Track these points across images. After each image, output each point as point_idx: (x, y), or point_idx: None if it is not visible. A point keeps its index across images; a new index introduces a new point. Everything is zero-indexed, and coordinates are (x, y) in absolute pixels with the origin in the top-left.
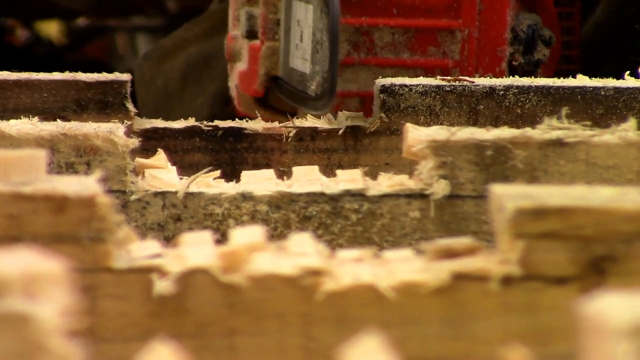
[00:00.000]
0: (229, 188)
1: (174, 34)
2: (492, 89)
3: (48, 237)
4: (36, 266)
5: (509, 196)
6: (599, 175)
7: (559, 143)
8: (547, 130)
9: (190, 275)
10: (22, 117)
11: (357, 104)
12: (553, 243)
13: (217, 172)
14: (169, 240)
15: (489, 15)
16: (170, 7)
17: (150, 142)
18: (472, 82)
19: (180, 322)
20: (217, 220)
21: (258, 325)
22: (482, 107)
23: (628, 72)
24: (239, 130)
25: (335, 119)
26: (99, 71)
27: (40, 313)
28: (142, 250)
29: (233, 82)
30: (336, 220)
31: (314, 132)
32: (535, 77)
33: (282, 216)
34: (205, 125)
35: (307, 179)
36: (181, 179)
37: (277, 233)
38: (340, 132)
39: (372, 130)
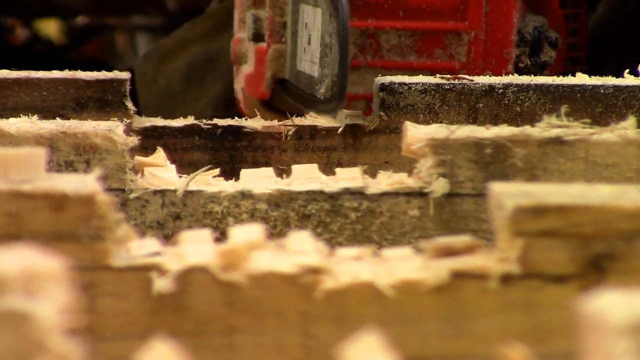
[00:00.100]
0: (228, 186)
1: (174, 34)
2: (491, 87)
3: (47, 235)
4: (35, 264)
5: (509, 194)
6: (598, 173)
7: (558, 141)
8: (547, 128)
9: (189, 273)
10: (21, 115)
11: (364, 107)
12: (552, 241)
13: (217, 171)
14: (168, 238)
15: (495, 17)
16: (169, 6)
17: (150, 140)
18: (472, 80)
19: (180, 321)
20: (217, 218)
21: (257, 323)
22: (482, 105)
23: (627, 71)
24: (238, 128)
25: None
26: (99, 70)
27: (40, 311)
28: (141, 248)
29: (239, 85)
30: (335, 219)
31: (313, 130)
32: None
33: (282, 214)
34: (204, 123)
35: (306, 177)
36: (180, 177)
37: (277, 231)
38: (340, 130)
39: (371, 128)
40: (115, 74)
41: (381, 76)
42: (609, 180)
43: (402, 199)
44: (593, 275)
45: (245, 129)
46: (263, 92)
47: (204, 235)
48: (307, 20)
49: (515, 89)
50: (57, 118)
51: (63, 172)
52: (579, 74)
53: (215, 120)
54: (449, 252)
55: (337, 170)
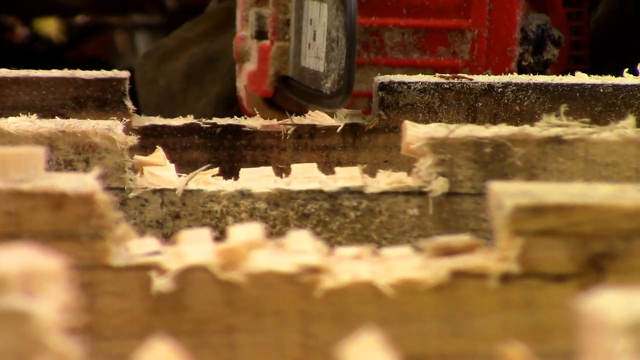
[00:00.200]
0: (228, 185)
1: (174, 34)
2: (490, 86)
3: (47, 234)
4: (35, 263)
5: (508, 193)
6: (597, 172)
7: (557, 140)
8: (546, 127)
9: (188, 272)
10: (20, 114)
11: (367, 104)
12: (552, 240)
13: (216, 170)
14: (167, 237)
15: (498, 15)
16: (169, 5)
17: (149, 139)
18: (471, 79)
19: (179, 320)
20: (216, 217)
21: (257, 322)
22: (481, 104)
23: (627, 70)
24: (238, 127)
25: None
26: (98, 69)
27: (39, 310)
28: (140, 247)
29: (242, 83)
30: (335, 218)
31: (312, 129)
32: None
33: (281, 213)
34: (203, 122)
35: (305, 176)
36: (180, 176)
37: (276, 230)
38: (339, 129)
39: (370, 127)
40: (115, 73)
41: (384, 74)
42: (608, 179)
43: (402, 198)
44: (592, 275)
45: (245, 128)
46: (266, 90)
47: (204, 234)
48: (312, 16)
49: (514, 88)
50: (56, 117)
51: (62, 171)
52: (578, 73)
53: (215, 120)
54: (448, 251)
55: (337, 169)
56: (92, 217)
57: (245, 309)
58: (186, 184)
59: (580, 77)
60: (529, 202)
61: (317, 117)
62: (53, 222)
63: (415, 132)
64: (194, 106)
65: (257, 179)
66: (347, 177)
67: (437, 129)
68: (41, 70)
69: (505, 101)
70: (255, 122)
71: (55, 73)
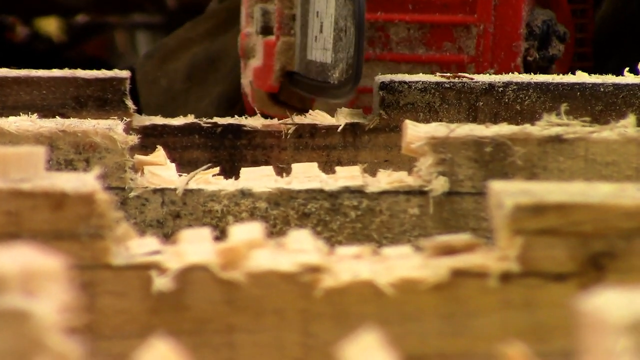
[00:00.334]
0: (228, 185)
1: (175, 33)
2: (491, 86)
3: (47, 234)
4: (35, 263)
5: (508, 193)
6: (598, 171)
7: (558, 139)
8: (546, 126)
9: (189, 271)
10: (21, 114)
11: (372, 100)
12: (552, 239)
13: (216, 169)
14: (168, 237)
15: (504, 10)
16: (169, 4)
17: (150, 139)
18: (471, 78)
19: (179, 319)
20: (216, 217)
21: (257, 322)
22: (482, 103)
23: (627, 69)
24: (238, 127)
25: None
26: (99, 68)
27: (39, 310)
28: (141, 247)
29: (247, 79)
30: (335, 217)
31: (313, 129)
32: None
33: (281, 213)
34: (204, 122)
35: (306, 175)
36: (180, 175)
37: (276, 230)
38: (340, 129)
39: (371, 127)
40: (115, 73)
41: (390, 69)
42: (609, 178)
43: (402, 197)
44: (592, 274)
45: (245, 128)
46: (272, 85)
47: (204, 233)
48: (318, 9)
49: (515, 87)
50: (56, 117)
51: (63, 170)
52: (578, 72)
53: (215, 119)
54: (448, 251)
55: (337, 168)
56: (92, 217)
57: (246, 309)
58: (187, 183)
59: (581, 77)
60: (529, 201)
61: (318, 117)
62: (53, 221)
63: (416, 132)
64: (196, 106)
65: (258, 179)
66: (348, 176)
67: (437, 129)
68: (42, 70)
69: (506, 100)
70: (255, 122)
71: (55, 73)
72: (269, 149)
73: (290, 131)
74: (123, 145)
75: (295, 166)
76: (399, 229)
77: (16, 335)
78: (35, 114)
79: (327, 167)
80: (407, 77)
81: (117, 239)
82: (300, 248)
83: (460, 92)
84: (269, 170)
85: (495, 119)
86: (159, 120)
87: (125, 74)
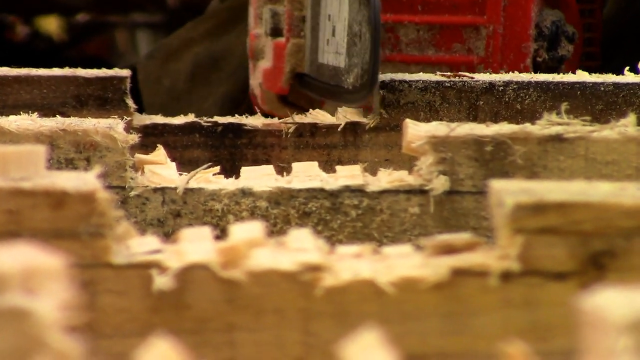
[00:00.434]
0: (229, 184)
1: (177, 33)
2: (491, 85)
3: (47, 233)
4: (35, 261)
5: (509, 192)
6: (598, 170)
7: (558, 139)
8: (547, 125)
9: (189, 270)
10: (21, 112)
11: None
12: (552, 238)
13: (217, 168)
14: (168, 236)
15: (513, 11)
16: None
17: (150, 138)
18: (472, 77)
19: (180, 318)
20: (217, 216)
21: (257, 320)
22: (482, 102)
23: (628, 68)
24: (239, 126)
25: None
26: (99, 67)
27: (40, 308)
28: (141, 245)
29: (256, 81)
30: (336, 216)
31: (313, 128)
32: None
33: (282, 212)
34: (204, 121)
35: (306, 174)
36: (181, 175)
37: (277, 229)
38: (340, 128)
39: (371, 126)
40: (116, 72)
41: (400, 70)
42: (609, 177)
43: (403, 196)
44: (593, 273)
45: (246, 127)
46: (282, 87)
47: (204, 232)
48: (330, 12)
49: (515, 86)
50: (57, 115)
51: (63, 169)
52: (579, 71)
53: (216, 118)
54: (449, 250)
55: (338, 167)
56: (92, 216)
57: (246, 307)
58: (187, 182)
59: (581, 76)
60: (529, 200)
61: (318, 116)
62: (54, 220)
63: (416, 131)
64: (200, 106)
65: (258, 178)
66: (348, 175)
67: (438, 128)
68: (42, 69)
69: (506, 99)
70: (256, 121)
71: (56, 72)
72: (270, 148)
73: (290, 130)
74: (123, 144)
75: (295, 165)
76: (400, 228)
77: (17, 333)
78: (36, 113)
79: (328, 166)
80: (408, 76)
81: (118, 238)
82: (301, 247)
83: (461, 91)
84: (269, 169)
85: (495, 118)
86: (159, 119)
87: (125, 72)
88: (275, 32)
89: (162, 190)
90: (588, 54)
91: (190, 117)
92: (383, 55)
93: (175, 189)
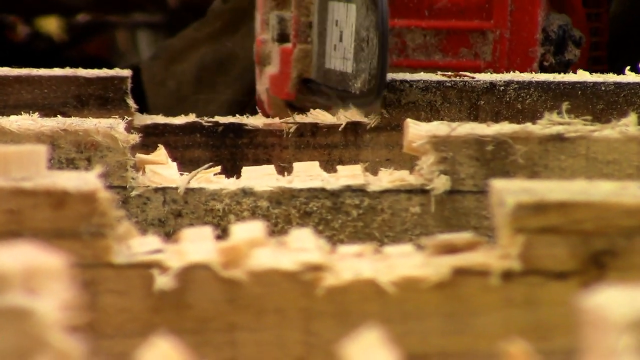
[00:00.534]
0: (230, 184)
1: (181, 34)
2: (492, 85)
3: (48, 232)
4: (36, 261)
5: (510, 191)
6: (599, 170)
7: (559, 138)
8: (548, 125)
9: (190, 270)
10: (22, 112)
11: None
12: (553, 238)
13: (218, 168)
14: (169, 235)
15: (520, 16)
16: (170, 3)
17: (151, 138)
18: (473, 77)
19: (181, 318)
20: (218, 215)
21: (258, 320)
22: (483, 102)
23: (629, 68)
24: (240, 126)
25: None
26: (100, 67)
27: (41, 308)
28: (142, 245)
29: (263, 86)
30: (337, 216)
31: (314, 127)
32: None
33: (283, 212)
34: (205, 121)
35: (307, 174)
36: (182, 174)
37: (278, 229)
38: (341, 127)
39: (372, 126)
40: (117, 72)
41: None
42: (610, 176)
43: (404, 196)
44: (594, 272)
45: (247, 127)
46: (289, 93)
47: (205, 232)
48: (337, 18)
49: (516, 86)
50: (58, 115)
51: (64, 169)
52: (580, 71)
53: (217, 118)
54: (450, 249)
55: (339, 167)
56: (93, 216)
57: (247, 307)
58: (188, 182)
59: (582, 75)
60: (530, 199)
61: (319, 116)
62: (55, 220)
63: (417, 130)
64: (205, 109)
65: (259, 177)
66: (349, 175)
67: (439, 127)
68: (43, 69)
69: (507, 99)
70: (257, 121)
71: (57, 71)
72: (271, 147)
73: (291, 130)
74: (124, 144)
75: (296, 165)
76: (401, 227)
77: (18, 333)
78: (37, 113)
79: (329, 166)
80: (409, 76)
81: (119, 238)
82: (302, 247)
83: (462, 91)
84: (270, 169)
85: (496, 118)
86: (160, 119)
87: (126, 72)
88: (282, 37)
89: (163, 190)
90: (595, 58)
91: (191, 117)
92: (390, 60)
93: (176, 188)
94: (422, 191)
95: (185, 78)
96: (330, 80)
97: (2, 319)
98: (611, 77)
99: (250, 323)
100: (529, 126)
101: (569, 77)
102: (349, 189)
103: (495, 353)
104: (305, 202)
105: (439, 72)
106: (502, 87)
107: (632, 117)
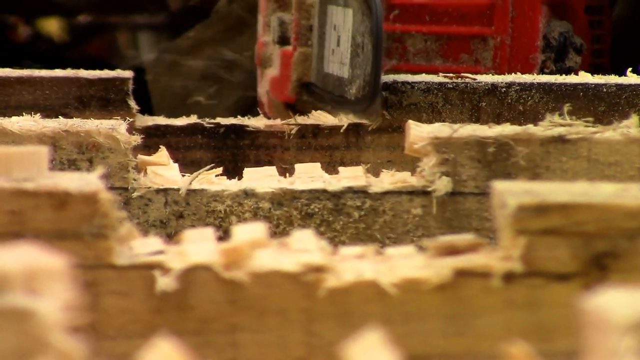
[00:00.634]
0: (231, 185)
1: (187, 35)
2: (494, 86)
3: (50, 233)
4: (38, 262)
5: (511, 193)
6: (600, 171)
7: (560, 140)
8: (549, 127)
9: (192, 271)
10: (24, 113)
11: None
12: (555, 239)
13: (219, 169)
14: (171, 237)
15: (521, 22)
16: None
17: (152, 139)
18: (474, 79)
19: (183, 319)
20: (220, 217)
21: (260, 321)
22: (484, 104)
23: (630, 69)
24: (241, 127)
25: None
26: (101, 68)
27: (42, 308)
28: (144, 246)
29: (263, 88)
30: (338, 217)
31: (316, 129)
32: None
33: (285, 213)
34: (207, 122)
35: (309, 176)
36: (183, 176)
37: (280, 230)
38: (343, 129)
39: (374, 127)
40: (118, 73)
41: None
42: (612, 178)
43: (405, 197)
44: (595, 273)
45: (248, 128)
46: (288, 96)
47: (207, 233)
48: (336, 22)
49: (518, 87)
50: (59, 116)
51: (66, 170)
52: (581, 73)
53: (218, 119)
54: (451, 251)
55: (340, 169)
56: (95, 217)
57: (249, 308)
58: (190, 183)
59: (584, 77)
60: (532, 201)
61: (321, 117)
62: (56, 221)
63: (419, 132)
64: (211, 111)
65: (261, 179)
66: (351, 176)
67: (440, 129)
68: (44, 70)
69: (509, 101)
70: (258, 122)
71: (58, 73)
72: (272, 149)
73: (293, 131)
74: (126, 145)
75: (298, 166)
76: (402, 229)
77: (19, 333)
78: (38, 114)
79: (330, 168)
80: (410, 78)
81: (120, 239)
82: (304, 248)
83: (463, 92)
84: (272, 170)
85: (498, 120)
86: (161, 120)
87: (128, 74)
88: (283, 40)
89: (165, 191)
90: (597, 66)
91: (193, 118)
92: (390, 65)
93: (178, 190)
94: (424, 193)
95: (191, 80)
96: (328, 84)
97: (4, 320)
98: (613, 79)
99: (252, 324)
100: (530, 128)
101: (571, 78)
102: (351, 190)
103: (497, 354)
104: (307, 203)
105: (440, 74)
106: (504, 89)
107: (633, 119)
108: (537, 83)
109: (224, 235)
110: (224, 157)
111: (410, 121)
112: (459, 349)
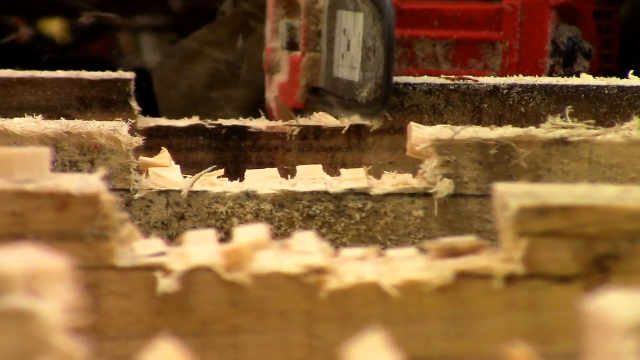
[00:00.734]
0: (233, 186)
1: (193, 36)
2: (496, 88)
3: (51, 235)
4: (39, 263)
5: (513, 195)
6: (602, 173)
7: (562, 142)
8: (551, 129)
9: (193, 273)
10: (25, 115)
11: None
12: (556, 241)
13: (221, 171)
14: (172, 238)
15: (529, 27)
16: (174, 6)
17: (154, 140)
18: (476, 80)
19: (184, 320)
20: (221, 218)
21: (261, 323)
22: (486, 105)
23: (632, 71)
24: (243, 128)
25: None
26: (103, 69)
27: (44, 310)
28: (145, 248)
29: (272, 94)
30: (340, 219)
31: (317, 130)
32: None
33: (286, 215)
34: (208, 123)
35: (310, 177)
36: (185, 177)
37: (281, 231)
38: (344, 130)
39: (375, 129)
40: (120, 74)
41: None
42: (613, 180)
43: (407, 199)
44: (597, 275)
45: (250, 129)
46: (297, 101)
47: (209, 235)
48: (345, 26)
49: (519, 89)
50: (61, 118)
51: (67, 171)
52: (583, 75)
53: (220, 120)
54: (453, 253)
55: (342, 170)
56: (97, 218)
57: (250, 310)
58: (191, 185)
59: (586, 79)
60: (533, 203)
61: (322, 118)
62: (58, 222)
63: (421, 134)
64: (217, 112)
65: (263, 180)
66: (352, 178)
67: (442, 131)
68: (46, 71)
69: (511, 102)
70: (260, 123)
71: (60, 74)
72: (274, 150)
73: (294, 133)
74: (128, 146)
75: (299, 168)
76: (404, 230)
77: (21, 334)
78: (40, 115)
79: (332, 169)
80: (412, 79)
81: (122, 240)
82: (305, 250)
83: (465, 94)
84: (273, 172)
85: (499, 121)
86: (163, 121)
87: (129, 75)
88: (291, 46)
89: (166, 192)
90: (605, 70)
91: (195, 120)
92: (399, 70)
93: (180, 191)
94: (425, 194)
95: (198, 81)
96: (337, 88)
97: (5, 321)
98: (614, 81)
99: (253, 326)
100: (532, 130)
101: (572, 80)
102: (352, 192)
103: (498, 356)
104: (309, 205)
105: (442, 75)
106: (506, 91)
107: (635, 121)
108: (539, 85)
109: (225, 236)
110: (226, 158)
111: (411, 123)
112: (460, 351)
